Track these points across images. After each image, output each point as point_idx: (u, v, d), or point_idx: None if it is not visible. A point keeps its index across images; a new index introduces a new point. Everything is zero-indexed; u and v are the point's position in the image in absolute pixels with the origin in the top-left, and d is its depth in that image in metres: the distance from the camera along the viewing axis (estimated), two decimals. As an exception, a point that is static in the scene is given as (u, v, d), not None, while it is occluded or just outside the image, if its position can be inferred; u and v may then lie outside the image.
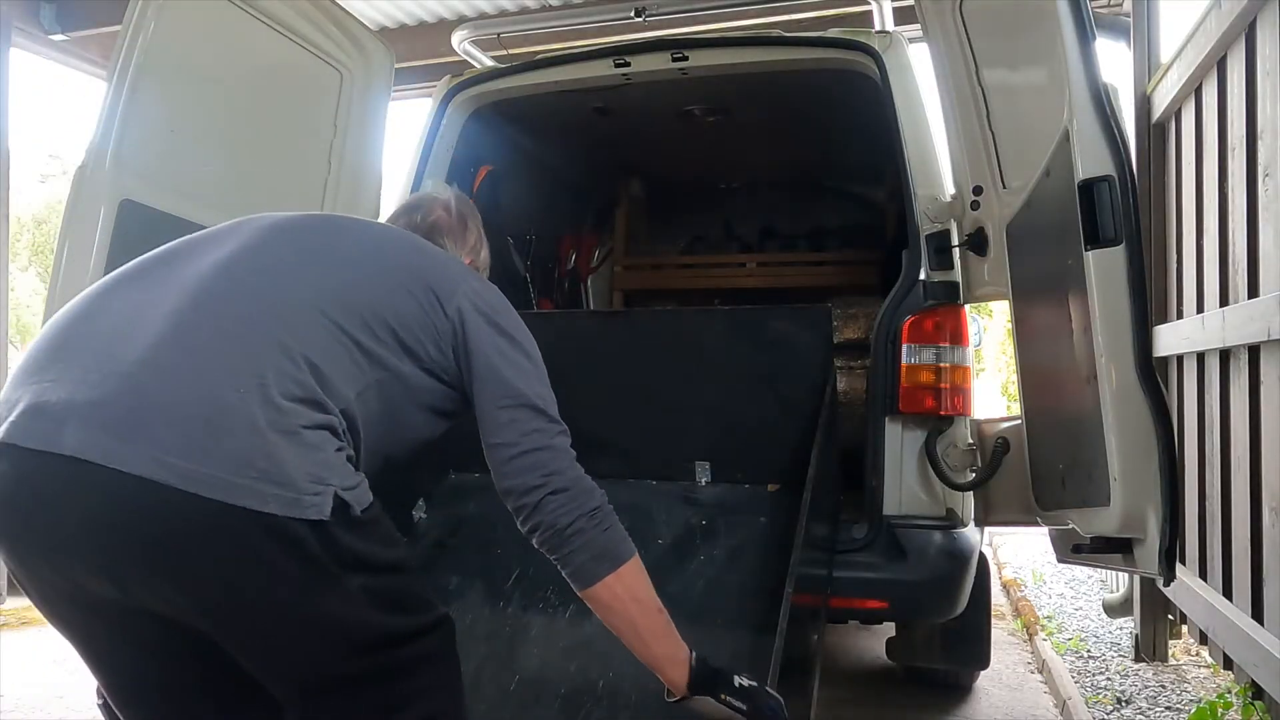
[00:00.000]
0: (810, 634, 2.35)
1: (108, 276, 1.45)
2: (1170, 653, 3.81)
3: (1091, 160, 1.86)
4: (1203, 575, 3.18)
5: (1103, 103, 1.86)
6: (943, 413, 2.67)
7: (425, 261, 1.56)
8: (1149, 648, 3.79)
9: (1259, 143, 2.63)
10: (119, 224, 2.46)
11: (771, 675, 1.75)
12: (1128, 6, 3.92)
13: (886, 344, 2.68)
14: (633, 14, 3.59)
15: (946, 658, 3.35)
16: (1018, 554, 6.24)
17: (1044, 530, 2.61)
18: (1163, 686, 3.56)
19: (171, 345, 1.28)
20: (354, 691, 1.32)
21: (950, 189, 2.74)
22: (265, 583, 1.25)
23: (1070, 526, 2.21)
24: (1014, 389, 3.65)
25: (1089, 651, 4.08)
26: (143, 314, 1.33)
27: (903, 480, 2.68)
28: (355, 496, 1.30)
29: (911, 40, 3.04)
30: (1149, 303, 2.23)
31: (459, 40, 4.00)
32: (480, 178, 3.68)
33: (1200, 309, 3.14)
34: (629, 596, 1.51)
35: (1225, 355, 2.91)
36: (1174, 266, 3.49)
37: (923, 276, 2.70)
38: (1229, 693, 3.01)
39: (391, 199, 3.34)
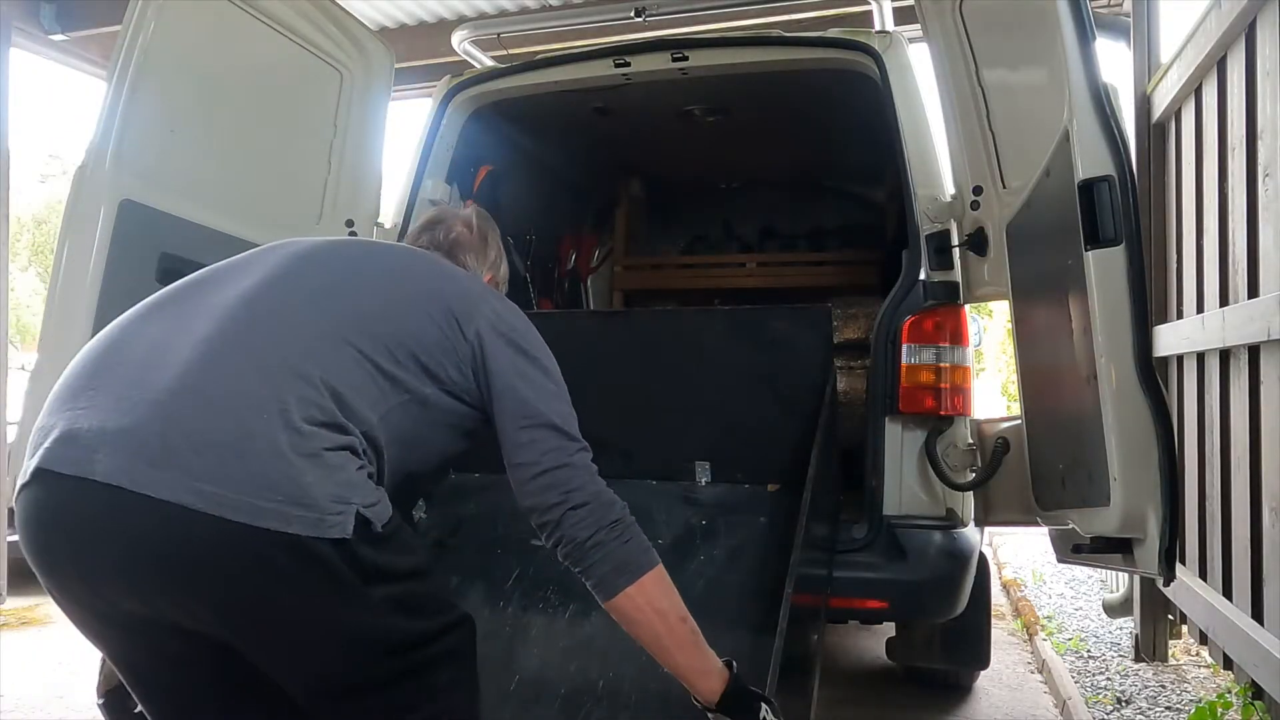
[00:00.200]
0: (810, 634, 2.35)
1: (138, 305, 1.51)
2: (1170, 653, 3.81)
3: (1091, 160, 1.86)
4: (1203, 575, 3.18)
5: (1103, 103, 1.86)
6: (943, 413, 2.67)
7: (446, 285, 1.60)
8: (1149, 648, 3.79)
9: (1259, 143, 2.63)
10: (119, 224, 2.47)
11: (771, 675, 1.75)
12: (1128, 6, 3.92)
13: (886, 344, 2.68)
14: (633, 14, 3.59)
15: (946, 658, 3.36)
16: (1018, 554, 6.24)
17: (1044, 530, 2.61)
18: (1163, 686, 3.56)
19: (199, 374, 1.33)
20: (380, 692, 1.37)
21: (950, 189, 2.74)
22: (292, 600, 1.30)
23: (1070, 526, 2.21)
24: (1014, 389, 3.65)
25: (1089, 651, 4.08)
26: (171, 343, 1.38)
27: (903, 480, 2.68)
28: (376, 513, 1.35)
29: (911, 40, 3.04)
30: (1149, 303, 2.23)
31: (459, 40, 4.00)
32: (480, 178, 3.68)
33: (1200, 309, 3.14)
34: (650, 607, 1.52)
35: (1225, 355, 2.91)
36: (1174, 266, 3.49)
37: (923, 276, 2.70)
38: (1229, 693, 3.01)
39: (391, 199, 3.34)
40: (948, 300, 2.70)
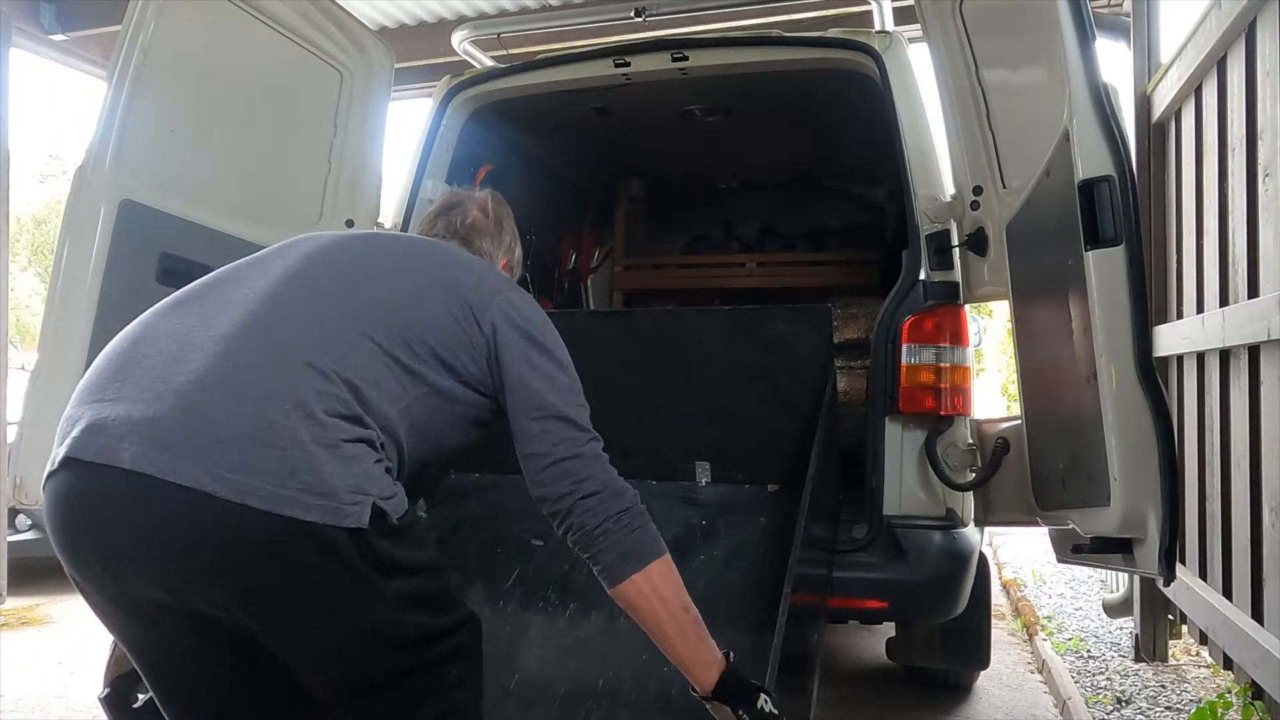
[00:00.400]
0: (810, 634, 2.35)
1: (161, 303, 1.54)
2: (1170, 653, 3.81)
3: (1091, 160, 1.86)
4: (1203, 575, 3.19)
5: (1103, 103, 1.86)
6: (943, 413, 2.67)
7: (461, 276, 1.63)
8: (1149, 648, 3.79)
9: (1259, 143, 2.63)
10: (119, 224, 2.47)
11: (771, 674, 1.75)
12: (1128, 6, 3.92)
13: (886, 344, 2.68)
14: (633, 14, 3.59)
15: (946, 658, 3.35)
16: (1018, 554, 6.24)
17: (1044, 530, 2.61)
18: (1163, 686, 3.56)
19: (222, 367, 1.37)
20: (390, 685, 1.39)
21: (950, 189, 2.74)
22: (309, 588, 1.33)
23: (1070, 526, 2.21)
24: (1014, 389, 3.65)
25: (1089, 651, 4.08)
26: (195, 338, 1.42)
27: (903, 480, 2.68)
28: (393, 505, 1.38)
29: (911, 40, 3.04)
30: (1149, 303, 2.23)
31: (459, 40, 4.00)
32: (480, 178, 3.68)
33: (1200, 309, 3.14)
34: (655, 596, 1.55)
35: (1225, 355, 2.91)
36: (1174, 266, 3.49)
37: (923, 276, 2.71)
38: (1229, 693, 3.01)
39: (391, 199, 3.34)
40: (948, 300, 2.70)
